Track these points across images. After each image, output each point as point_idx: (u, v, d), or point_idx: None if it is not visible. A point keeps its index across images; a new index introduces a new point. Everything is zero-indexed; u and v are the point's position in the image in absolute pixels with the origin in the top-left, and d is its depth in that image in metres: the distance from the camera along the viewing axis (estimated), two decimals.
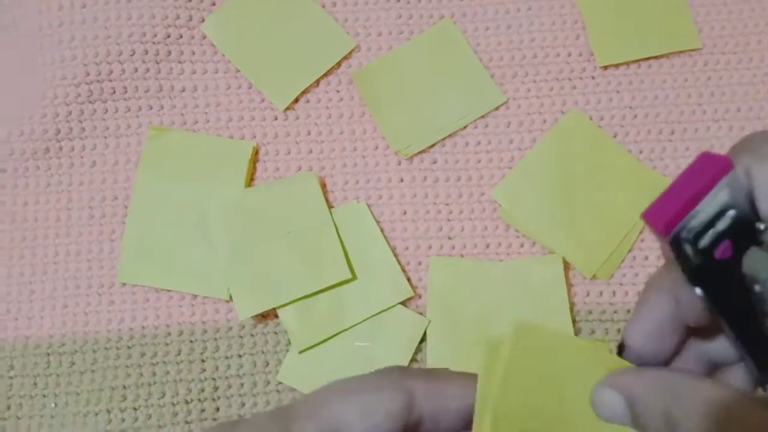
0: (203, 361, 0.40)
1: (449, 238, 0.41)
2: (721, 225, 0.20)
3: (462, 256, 0.41)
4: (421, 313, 0.40)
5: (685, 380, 0.21)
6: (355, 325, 0.39)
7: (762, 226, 0.20)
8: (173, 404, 0.39)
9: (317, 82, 0.44)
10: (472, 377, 0.22)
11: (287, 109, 0.44)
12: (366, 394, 0.21)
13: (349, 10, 0.45)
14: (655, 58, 0.44)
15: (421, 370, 0.22)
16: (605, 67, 0.44)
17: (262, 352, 0.40)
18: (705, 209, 0.20)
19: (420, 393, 0.21)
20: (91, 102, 0.43)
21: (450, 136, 0.43)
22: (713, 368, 0.24)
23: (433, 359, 0.39)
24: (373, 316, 0.39)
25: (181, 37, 0.44)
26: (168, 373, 0.40)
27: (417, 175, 0.42)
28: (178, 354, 0.40)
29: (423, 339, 0.39)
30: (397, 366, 0.22)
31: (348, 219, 0.41)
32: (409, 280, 0.40)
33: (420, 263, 0.41)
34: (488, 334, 0.38)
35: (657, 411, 0.20)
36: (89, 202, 0.43)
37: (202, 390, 0.39)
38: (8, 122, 0.43)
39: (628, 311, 0.40)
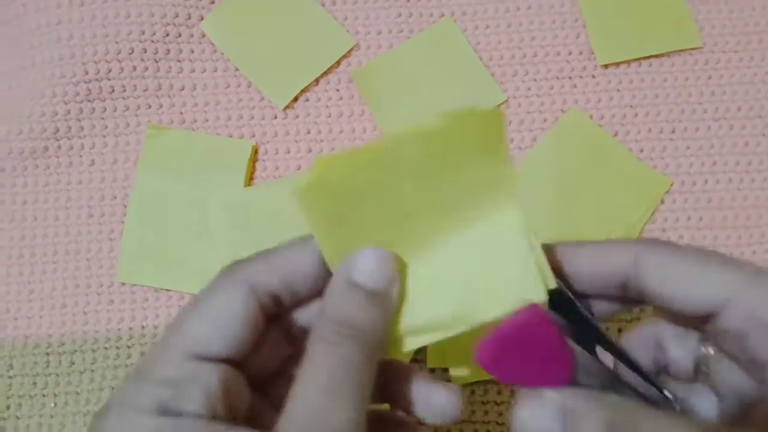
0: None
1: None
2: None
3: None
4: None
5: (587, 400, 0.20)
6: None
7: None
8: None
9: (317, 81, 0.44)
10: (307, 239, 0.23)
11: (287, 107, 0.43)
12: (208, 305, 0.22)
13: (349, 9, 0.45)
14: (656, 56, 0.44)
15: (256, 254, 0.23)
16: (606, 66, 0.43)
17: None
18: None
19: (260, 275, 0.22)
20: (89, 101, 0.43)
21: None
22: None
23: (431, 359, 0.39)
24: None
25: (180, 35, 0.44)
26: None
27: None
28: None
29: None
30: (232, 262, 0.23)
31: None
32: None
33: None
34: None
35: (601, 424, 0.19)
36: (88, 201, 0.43)
37: None
38: (7, 121, 0.43)
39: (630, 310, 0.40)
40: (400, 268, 0.23)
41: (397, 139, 0.21)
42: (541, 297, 0.22)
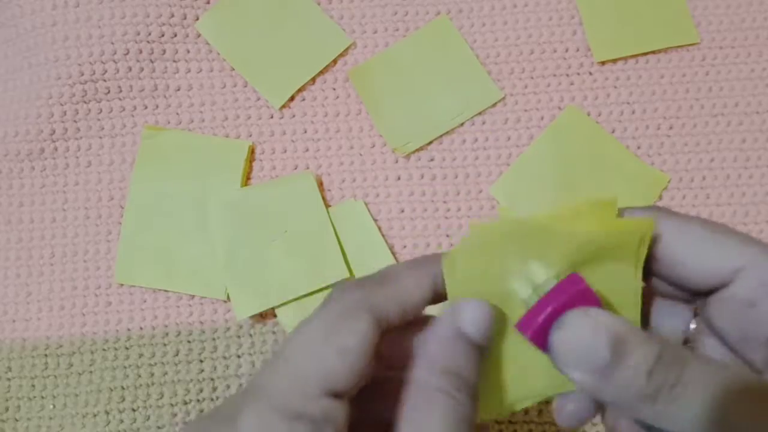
0: (201, 361, 0.40)
1: (447, 236, 0.41)
2: None
3: None
4: None
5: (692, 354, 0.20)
6: None
7: None
8: (172, 405, 0.39)
9: (313, 80, 0.44)
10: (423, 265, 0.22)
11: (283, 107, 0.43)
12: (340, 337, 0.21)
13: (345, 8, 0.45)
14: (653, 53, 0.43)
15: (372, 280, 0.22)
16: (603, 63, 0.43)
17: (261, 353, 0.40)
18: None
19: (381, 305, 0.21)
20: (85, 102, 0.43)
21: (447, 133, 0.43)
22: None
23: None
24: None
25: (176, 35, 0.44)
26: (166, 374, 0.40)
27: (414, 173, 0.42)
28: (176, 355, 0.40)
29: None
30: (349, 283, 0.22)
31: (345, 218, 0.41)
32: None
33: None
34: None
35: (650, 357, 0.19)
36: (85, 202, 0.42)
37: (201, 390, 0.39)
38: (3, 123, 0.43)
39: None
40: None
41: (551, 218, 0.21)
42: None
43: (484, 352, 0.22)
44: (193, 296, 0.41)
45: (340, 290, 0.22)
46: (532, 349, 0.22)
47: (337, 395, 0.20)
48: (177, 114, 0.43)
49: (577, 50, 0.44)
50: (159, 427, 0.39)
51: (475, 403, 0.21)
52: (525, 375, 0.23)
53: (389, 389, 0.24)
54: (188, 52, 0.44)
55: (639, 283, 0.22)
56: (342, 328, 0.21)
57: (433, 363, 0.21)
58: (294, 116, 0.43)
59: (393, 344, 0.23)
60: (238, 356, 0.40)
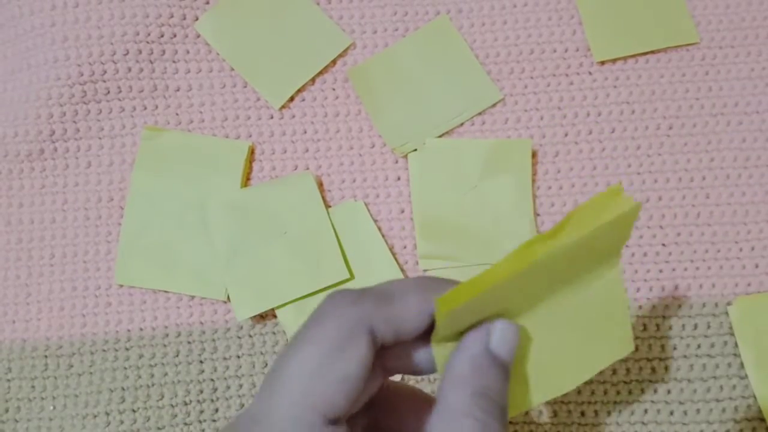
0: (202, 362, 0.40)
1: None
2: None
3: None
4: None
5: None
6: None
7: None
8: (172, 406, 0.39)
9: (313, 80, 0.44)
10: (430, 289, 0.22)
11: (283, 107, 0.43)
12: (335, 362, 0.20)
13: (344, 8, 0.45)
14: (653, 52, 0.43)
15: (372, 294, 0.22)
16: (602, 63, 0.43)
17: (261, 353, 0.40)
18: None
19: (378, 326, 0.21)
20: (85, 102, 0.43)
21: (447, 133, 0.43)
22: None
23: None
24: None
25: (175, 36, 0.44)
26: (166, 374, 0.39)
27: None
28: (177, 355, 0.40)
29: None
30: (346, 296, 0.21)
31: (345, 218, 0.41)
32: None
33: (417, 262, 0.41)
34: None
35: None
36: (85, 203, 0.42)
37: (201, 391, 0.39)
38: (2, 123, 0.43)
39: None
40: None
41: (528, 247, 0.21)
42: (631, 350, 0.25)
43: (510, 372, 0.22)
44: (193, 297, 0.41)
45: (334, 304, 0.21)
46: (547, 350, 0.23)
47: (337, 421, 0.20)
48: (177, 114, 0.43)
49: (577, 50, 0.44)
50: (159, 428, 0.39)
51: (503, 425, 0.21)
52: (541, 373, 0.23)
53: (393, 398, 0.25)
54: (188, 52, 0.44)
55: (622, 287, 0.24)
56: (341, 353, 0.20)
57: (463, 384, 0.21)
58: (294, 116, 0.43)
59: (395, 358, 0.23)
60: (239, 357, 0.40)
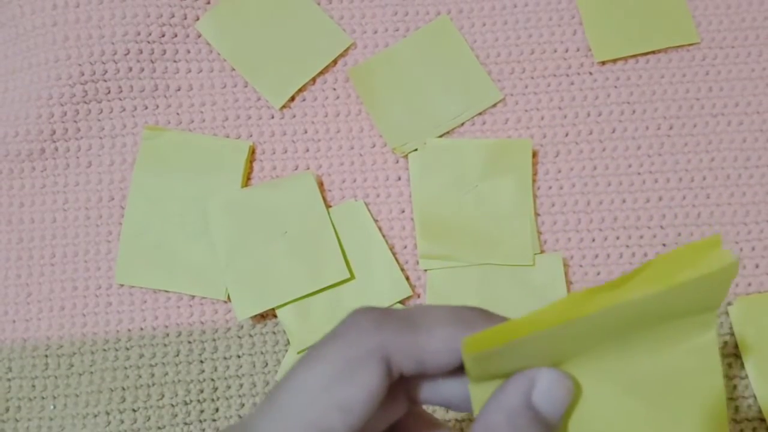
0: (202, 362, 0.40)
1: None
2: None
3: None
4: None
5: None
6: None
7: None
8: (172, 405, 0.39)
9: (313, 80, 0.44)
10: (462, 322, 0.19)
11: (283, 107, 0.43)
12: (340, 386, 0.18)
13: (345, 8, 0.45)
14: (653, 52, 0.43)
15: (397, 320, 0.19)
16: (603, 63, 0.43)
17: (261, 353, 0.40)
18: None
19: (397, 355, 0.19)
20: (86, 102, 0.43)
21: (447, 133, 0.43)
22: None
23: None
24: None
25: (176, 35, 0.44)
26: (167, 374, 0.40)
27: None
28: (177, 355, 0.40)
29: None
30: (368, 318, 0.20)
31: (346, 218, 0.41)
32: (407, 279, 0.40)
33: (418, 262, 0.41)
34: None
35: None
36: (85, 203, 0.42)
37: (201, 391, 0.39)
38: (3, 123, 0.43)
39: None
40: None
41: (599, 312, 0.17)
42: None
43: (558, 428, 0.19)
44: (193, 297, 0.41)
45: (355, 322, 0.20)
46: (606, 418, 0.19)
47: None
48: (177, 114, 0.43)
49: (577, 50, 0.44)
50: (159, 428, 0.39)
51: None
52: None
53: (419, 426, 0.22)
54: (188, 52, 0.44)
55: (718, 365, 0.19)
56: (348, 378, 0.19)
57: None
58: (294, 116, 0.43)
59: (426, 390, 0.21)
60: (239, 356, 0.40)
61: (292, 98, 0.43)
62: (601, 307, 0.17)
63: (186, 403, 0.39)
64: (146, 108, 0.43)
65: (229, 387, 0.39)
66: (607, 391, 0.19)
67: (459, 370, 0.20)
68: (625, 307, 0.17)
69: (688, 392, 0.19)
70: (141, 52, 0.43)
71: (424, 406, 0.23)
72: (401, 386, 0.20)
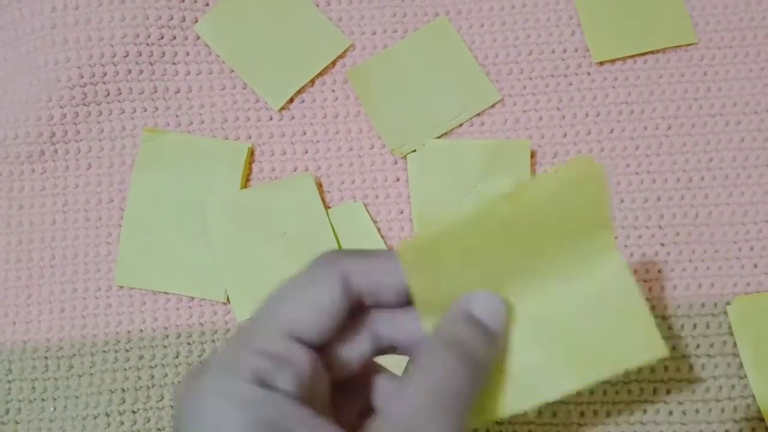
0: (202, 363, 0.40)
1: None
2: None
3: None
4: None
5: None
6: None
7: None
8: (172, 407, 0.39)
9: (312, 82, 0.44)
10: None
11: (282, 109, 0.43)
12: (308, 290, 0.22)
13: (344, 9, 0.45)
14: (651, 53, 0.44)
15: (352, 251, 0.23)
16: (601, 63, 0.43)
17: None
18: None
19: (354, 272, 0.22)
20: (85, 104, 0.43)
21: (446, 134, 0.43)
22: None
23: None
24: None
25: (175, 38, 0.44)
26: (166, 375, 0.40)
27: None
28: (177, 357, 0.40)
29: None
30: (329, 251, 0.23)
31: (345, 219, 0.41)
32: None
33: None
34: None
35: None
36: (85, 204, 0.43)
37: None
38: (2, 125, 0.43)
39: None
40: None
41: (494, 204, 0.21)
42: (664, 352, 0.21)
43: (497, 347, 0.22)
44: (192, 298, 0.41)
45: (317, 257, 0.23)
46: (531, 352, 0.22)
47: (301, 341, 0.21)
48: (176, 116, 0.43)
49: (576, 51, 0.44)
50: (159, 429, 0.39)
51: (474, 376, 0.21)
52: (521, 379, 0.22)
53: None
54: (187, 54, 0.44)
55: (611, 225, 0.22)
56: (310, 282, 0.22)
57: (438, 334, 0.21)
58: (293, 118, 0.43)
59: (385, 325, 0.23)
60: None
61: (291, 100, 0.44)
62: (491, 200, 0.20)
63: None
64: (145, 110, 0.43)
65: None
66: (541, 319, 0.22)
67: (413, 308, 0.23)
68: (523, 210, 0.20)
69: (614, 312, 0.22)
70: (140, 54, 0.43)
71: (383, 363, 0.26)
72: (363, 323, 0.23)
